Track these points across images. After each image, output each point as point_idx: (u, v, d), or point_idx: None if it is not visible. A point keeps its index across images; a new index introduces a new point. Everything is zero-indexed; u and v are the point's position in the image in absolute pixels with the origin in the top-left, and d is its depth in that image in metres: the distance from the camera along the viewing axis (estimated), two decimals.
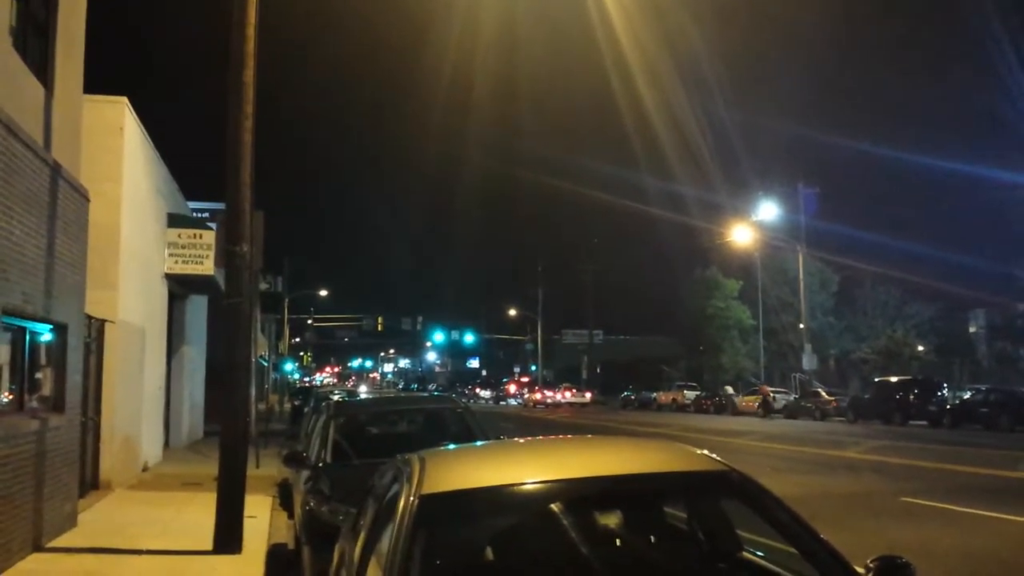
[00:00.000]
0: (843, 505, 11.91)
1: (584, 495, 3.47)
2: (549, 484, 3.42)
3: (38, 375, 9.44)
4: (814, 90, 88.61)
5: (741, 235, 50.60)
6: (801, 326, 47.26)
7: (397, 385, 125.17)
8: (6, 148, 7.70)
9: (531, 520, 3.53)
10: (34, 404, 9.11)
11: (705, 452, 3.72)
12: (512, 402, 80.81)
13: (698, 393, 52.58)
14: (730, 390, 50.69)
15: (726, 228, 51.76)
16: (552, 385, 74.53)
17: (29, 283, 8.41)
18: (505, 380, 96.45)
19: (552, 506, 3.49)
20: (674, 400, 53.97)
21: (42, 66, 9.01)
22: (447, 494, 3.30)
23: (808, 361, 44.74)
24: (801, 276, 46.33)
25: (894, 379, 36.42)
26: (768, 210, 48.94)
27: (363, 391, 46.47)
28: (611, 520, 3.86)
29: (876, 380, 38.39)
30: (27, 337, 8.87)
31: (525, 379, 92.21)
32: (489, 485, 3.40)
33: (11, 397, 8.58)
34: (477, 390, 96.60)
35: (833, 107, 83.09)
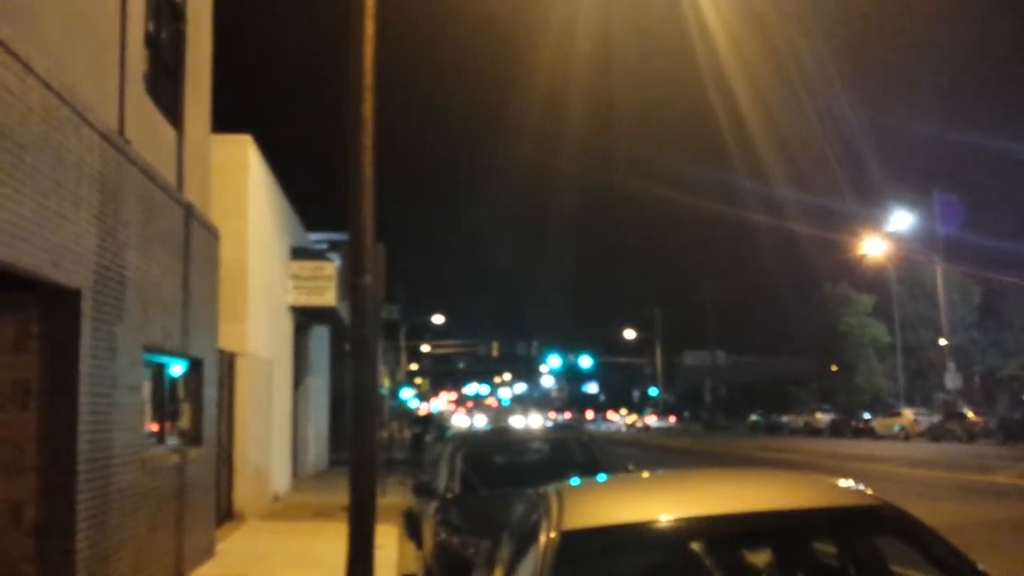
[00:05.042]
0: (998, 533, 11.13)
1: (730, 532, 3.34)
2: (693, 520, 3.31)
3: (176, 409, 9.76)
4: (951, 90, 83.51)
5: (873, 247, 47.92)
6: (942, 342, 44.43)
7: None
8: (144, 192, 8.01)
9: (675, 558, 3.45)
10: (174, 438, 9.42)
11: (855, 484, 3.61)
12: (609, 426, 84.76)
13: (832, 416, 50.32)
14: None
15: (856, 240, 49.10)
16: (662, 408, 76.33)
17: (167, 320, 8.71)
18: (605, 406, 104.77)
19: (697, 543, 3.38)
20: (806, 424, 51.83)
21: (173, 109, 9.39)
22: (589, 530, 3.24)
23: (951, 380, 42.10)
24: (940, 289, 43.55)
25: None
26: (902, 219, 46.32)
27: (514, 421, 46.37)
28: (758, 558, 3.76)
29: None
30: (166, 372, 9.19)
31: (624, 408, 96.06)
32: (632, 522, 3.30)
33: (154, 431, 8.89)
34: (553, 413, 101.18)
35: (967, 108, 78.40)
